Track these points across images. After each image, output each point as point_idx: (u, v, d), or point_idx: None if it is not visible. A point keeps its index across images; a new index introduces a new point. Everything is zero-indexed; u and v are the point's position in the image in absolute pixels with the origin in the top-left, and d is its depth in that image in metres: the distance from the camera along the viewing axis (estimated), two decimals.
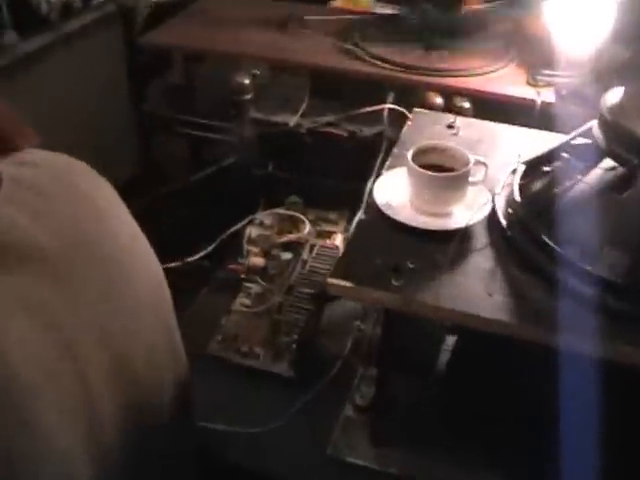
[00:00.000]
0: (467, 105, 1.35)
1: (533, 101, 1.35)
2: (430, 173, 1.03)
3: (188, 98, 1.61)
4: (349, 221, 1.44)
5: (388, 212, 1.04)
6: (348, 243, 1.02)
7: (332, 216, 1.46)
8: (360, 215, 1.29)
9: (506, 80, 1.42)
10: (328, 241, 1.39)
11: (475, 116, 1.34)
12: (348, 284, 0.95)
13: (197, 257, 1.44)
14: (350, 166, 1.45)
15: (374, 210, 1.06)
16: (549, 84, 1.39)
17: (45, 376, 0.66)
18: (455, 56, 1.49)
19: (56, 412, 0.67)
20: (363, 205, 1.32)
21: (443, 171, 1.05)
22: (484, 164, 1.06)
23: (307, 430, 1.17)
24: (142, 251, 0.87)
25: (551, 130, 1.26)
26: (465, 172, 1.03)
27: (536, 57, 1.46)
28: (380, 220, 1.05)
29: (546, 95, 1.36)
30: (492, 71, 1.43)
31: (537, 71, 1.41)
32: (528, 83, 1.41)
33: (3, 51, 1.66)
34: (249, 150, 1.48)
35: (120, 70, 1.77)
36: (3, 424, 0.62)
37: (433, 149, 1.08)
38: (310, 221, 1.43)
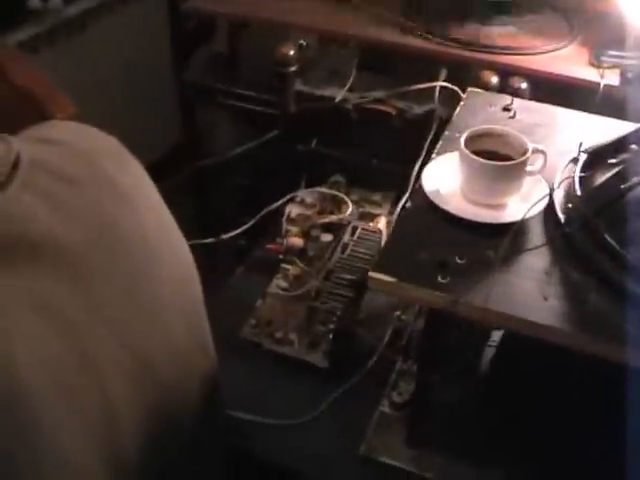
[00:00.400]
0: (524, 86, 1.24)
1: (596, 84, 1.23)
2: (484, 161, 0.92)
3: (232, 67, 1.51)
4: (394, 204, 1.34)
5: (436, 201, 0.94)
6: (392, 233, 0.93)
7: (376, 197, 1.36)
8: (406, 202, 1.21)
9: (567, 60, 1.29)
10: (371, 224, 1.29)
11: (531, 98, 1.22)
12: (390, 279, 0.86)
13: (233, 234, 1.36)
14: (398, 145, 1.36)
15: (421, 197, 0.96)
16: (614, 66, 1.26)
17: (58, 387, 0.59)
18: (512, 32, 1.37)
19: (69, 426, 0.60)
20: (409, 190, 1.23)
21: (498, 159, 0.95)
22: (543, 152, 0.95)
23: (339, 425, 1.09)
24: (169, 237, 0.78)
25: (615, 116, 1.15)
26: (523, 161, 0.92)
27: (601, 36, 1.33)
28: (427, 209, 0.95)
29: (610, 78, 1.24)
30: (552, 50, 1.31)
31: (601, 51, 1.28)
32: (591, 64, 1.28)
33: (46, 15, 1.59)
34: (293, 124, 1.38)
35: (164, 37, 1.68)
36: (3, 431, 0.55)
37: (488, 134, 0.97)
38: (353, 202, 1.33)
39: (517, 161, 0.92)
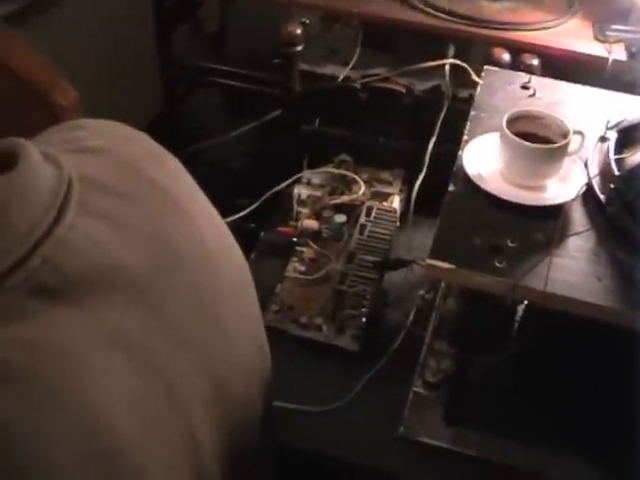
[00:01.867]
0: (536, 62, 1.26)
1: (604, 59, 1.26)
2: (529, 144, 0.95)
3: (222, 45, 1.49)
4: (405, 182, 1.35)
5: (480, 184, 0.97)
6: (441, 218, 0.94)
7: (385, 176, 1.37)
8: (423, 181, 1.23)
9: (572, 35, 1.32)
10: (385, 203, 1.30)
11: (542, 74, 1.25)
12: (449, 266, 0.88)
13: (238, 216, 1.35)
14: (404, 123, 1.37)
15: (463, 180, 0.98)
16: (618, 40, 1.29)
17: (147, 425, 0.56)
18: (512, 7, 1.39)
19: (159, 463, 0.57)
20: (424, 167, 1.25)
21: (537, 140, 0.97)
22: (581, 134, 0.98)
23: (374, 407, 1.11)
24: (223, 239, 0.75)
25: (622, 92, 1.18)
26: (565, 144, 0.95)
27: (600, 9, 1.36)
28: (470, 192, 0.97)
29: (618, 53, 1.27)
30: (556, 25, 1.33)
31: (605, 25, 1.31)
32: (596, 39, 1.31)
33: None
34: (296, 104, 1.37)
35: (145, 11, 1.63)
36: None
37: (526, 116, 0.99)
38: (363, 181, 1.34)
39: (561, 143, 0.95)
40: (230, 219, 1.34)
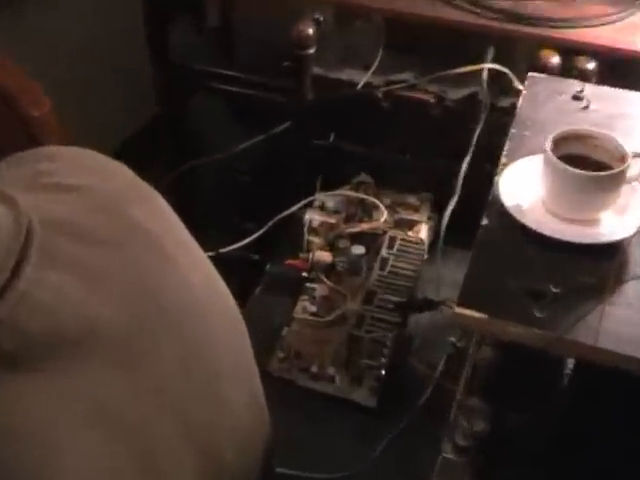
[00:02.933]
0: (592, 66, 1.23)
1: None
2: (581, 171, 0.92)
3: (226, 46, 1.49)
4: (434, 208, 1.34)
5: (519, 217, 0.94)
6: (472, 257, 0.92)
7: (412, 200, 1.35)
8: (454, 208, 1.21)
9: (637, 31, 1.28)
10: (410, 233, 1.29)
11: (598, 81, 1.22)
12: (480, 315, 0.85)
13: (241, 245, 1.35)
14: (433, 138, 1.35)
15: (498, 212, 0.96)
16: None
17: None
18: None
19: None
20: (457, 191, 1.23)
21: (589, 166, 0.94)
22: None
23: (396, 474, 1.09)
24: (214, 288, 0.75)
25: None
26: (622, 170, 0.92)
27: None
28: (507, 226, 0.95)
29: None
30: (617, 20, 1.30)
31: None
32: None
33: None
34: (308, 114, 1.36)
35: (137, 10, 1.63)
36: None
37: (575, 136, 0.97)
38: (385, 206, 1.32)
39: (617, 170, 0.92)
40: (231, 248, 1.34)
